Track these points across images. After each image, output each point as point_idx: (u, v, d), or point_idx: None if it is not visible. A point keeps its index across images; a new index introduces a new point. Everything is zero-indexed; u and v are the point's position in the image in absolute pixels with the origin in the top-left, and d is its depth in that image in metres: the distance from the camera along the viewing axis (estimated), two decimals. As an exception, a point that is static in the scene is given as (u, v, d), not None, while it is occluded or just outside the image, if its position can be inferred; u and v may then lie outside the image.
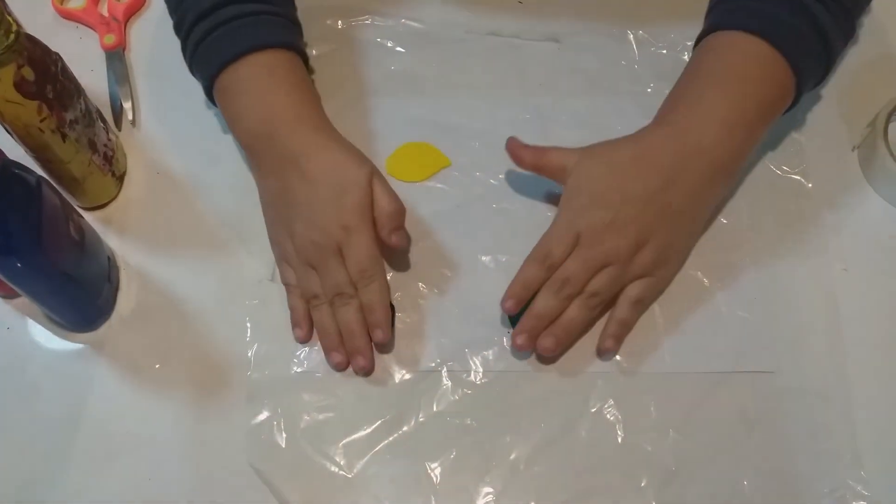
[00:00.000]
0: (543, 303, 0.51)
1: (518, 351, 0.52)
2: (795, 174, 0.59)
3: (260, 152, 0.54)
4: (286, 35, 0.56)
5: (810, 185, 0.58)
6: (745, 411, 0.51)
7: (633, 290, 0.52)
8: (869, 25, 0.64)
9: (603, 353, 0.52)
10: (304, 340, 0.53)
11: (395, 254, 0.56)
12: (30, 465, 0.51)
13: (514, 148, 0.55)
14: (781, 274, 0.55)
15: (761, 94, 0.52)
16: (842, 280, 0.55)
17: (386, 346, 0.53)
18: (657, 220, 0.51)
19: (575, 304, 0.51)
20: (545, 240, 0.52)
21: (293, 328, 0.54)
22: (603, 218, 0.50)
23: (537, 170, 0.55)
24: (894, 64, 0.63)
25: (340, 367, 0.52)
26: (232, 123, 0.55)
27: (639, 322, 0.53)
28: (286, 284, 0.54)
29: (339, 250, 0.51)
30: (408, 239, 0.55)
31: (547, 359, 0.52)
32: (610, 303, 0.52)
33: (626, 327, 0.52)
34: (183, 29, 0.55)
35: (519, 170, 0.57)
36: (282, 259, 0.54)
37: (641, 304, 0.52)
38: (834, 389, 0.51)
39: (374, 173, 0.52)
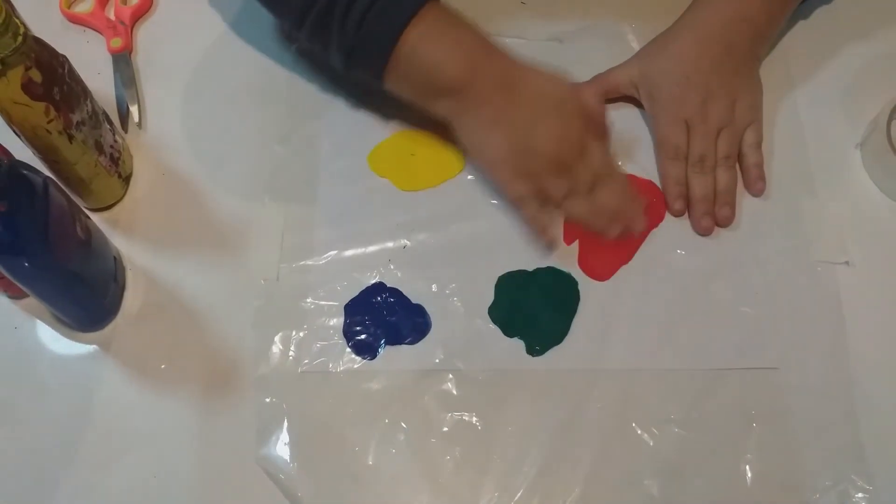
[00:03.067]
0: (699, 185, 0.57)
1: (705, 234, 0.57)
2: (799, 171, 0.59)
3: (466, 93, 0.55)
4: None
5: (814, 183, 0.58)
6: (747, 407, 0.51)
7: (750, 138, 0.59)
8: (873, 22, 0.64)
9: (757, 192, 0.58)
10: (558, 242, 0.56)
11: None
12: (37, 463, 0.51)
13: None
14: (784, 270, 0.55)
15: None
16: (845, 276, 0.55)
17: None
18: (733, 78, 0.59)
19: (720, 172, 0.58)
20: (665, 139, 0.59)
21: (540, 234, 0.56)
22: (696, 97, 0.58)
23: (607, 95, 0.60)
24: (896, 61, 0.63)
25: (621, 237, 0.56)
26: (428, 82, 0.55)
27: (640, 319, 0.54)
28: (519, 198, 0.56)
29: (582, 153, 0.55)
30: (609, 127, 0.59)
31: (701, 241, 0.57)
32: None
33: (761, 167, 0.59)
34: (334, 17, 0.53)
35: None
36: (514, 176, 0.56)
37: (760, 145, 0.59)
38: (836, 385, 0.51)
39: (573, 83, 0.57)
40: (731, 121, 0.58)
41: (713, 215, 0.57)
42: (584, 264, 0.56)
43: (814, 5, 0.65)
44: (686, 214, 0.58)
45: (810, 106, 0.61)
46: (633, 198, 0.57)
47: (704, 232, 0.57)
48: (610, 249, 0.56)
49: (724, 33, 0.58)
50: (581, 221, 0.56)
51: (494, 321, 0.54)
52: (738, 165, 0.59)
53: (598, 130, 0.57)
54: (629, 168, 0.59)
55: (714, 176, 0.58)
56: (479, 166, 0.59)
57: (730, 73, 0.58)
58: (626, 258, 0.56)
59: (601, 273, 0.56)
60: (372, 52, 0.54)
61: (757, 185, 0.58)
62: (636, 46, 0.64)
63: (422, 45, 0.54)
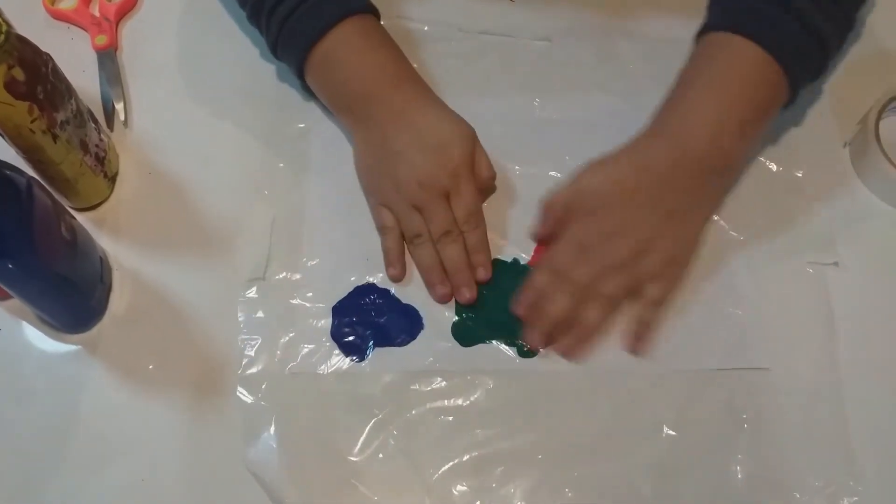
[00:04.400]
0: (558, 304, 0.52)
1: (530, 348, 0.53)
2: (787, 171, 0.59)
3: (364, 112, 0.56)
4: (361, 1, 0.57)
5: (802, 182, 0.58)
6: (738, 408, 0.51)
7: (649, 291, 0.53)
8: (860, 22, 0.65)
9: (631, 351, 0.53)
10: (399, 278, 0.55)
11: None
12: (24, 467, 0.51)
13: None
14: (774, 271, 0.55)
15: (753, 96, 0.53)
16: (834, 276, 0.55)
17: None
18: (660, 223, 0.53)
19: (591, 308, 0.53)
20: (553, 251, 0.54)
21: (387, 268, 0.55)
22: (606, 225, 0.53)
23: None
24: (885, 61, 0.63)
25: (445, 299, 0.54)
26: (333, 93, 0.57)
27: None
28: (382, 227, 0.56)
29: (446, 195, 0.54)
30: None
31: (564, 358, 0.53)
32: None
33: (649, 328, 0.53)
34: (263, 11, 0.56)
35: (507, 173, 0.58)
36: (380, 203, 0.56)
37: (659, 304, 0.53)
38: (826, 385, 0.52)
39: (473, 134, 0.56)
40: (632, 265, 0.52)
41: (548, 336, 0.52)
42: None
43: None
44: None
45: (799, 105, 0.61)
46: (476, 265, 0.54)
47: (528, 344, 0.53)
48: None
49: (664, 169, 0.52)
50: (419, 267, 0.55)
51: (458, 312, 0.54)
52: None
53: (481, 185, 0.56)
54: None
55: (578, 305, 0.52)
56: (360, 184, 0.58)
57: (660, 216, 0.52)
58: None
59: None
60: (291, 55, 0.57)
61: (632, 342, 0.52)
62: (625, 46, 0.64)
63: (330, 59, 0.56)
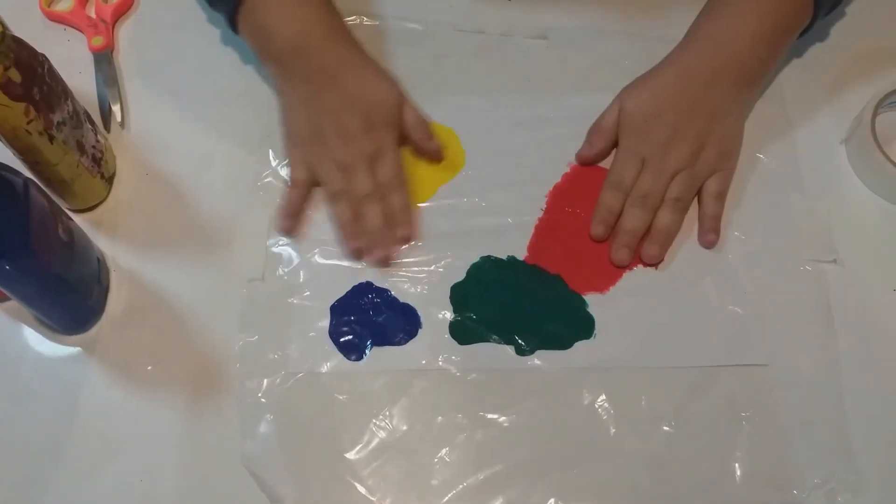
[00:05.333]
0: (632, 217, 0.55)
1: (616, 265, 0.55)
2: (784, 168, 0.59)
3: (292, 65, 0.56)
4: None
5: (800, 179, 0.58)
6: (736, 404, 0.51)
7: (712, 186, 0.56)
8: (857, 18, 0.65)
9: (707, 244, 0.56)
10: (289, 231, 0.56)
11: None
12: (22, 467, 0.51)
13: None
14: (773, 268, 0.55)
15: (785, 9, 0.56)
16: (832, 273, 0.55)
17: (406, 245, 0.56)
18: (708, 123, 0.56)
19: (663, 210, 0.55)
20: (614, 170, 0.57)
21: (282, 218, 0.56)
22: (660, 134, 0.56)
23: (607, 143, 0.58)
24: (881, 57, 0.63)
25: (357, 255, 0.55)
26: (262, 41, 0.57)
27: (629, 318, 0.54)
28: (294, 181, 0.57)
29: (370, 157, 0.55)
30: (440, 145, 0.58)
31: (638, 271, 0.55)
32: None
33: (717, 219, 0.56)
34: None
35: (507, 171, 0.58)
36: (301, 159, 0.57)
37: (722, 197, 0.56)
38: (825, 381, 0.52)
39: (402, 94, 0.57)
40: (692, 165, 0.56)
41: (633, 249, 0.55)
42: (577, 287, 0.55)
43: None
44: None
45: (796, 102, 0.61)
46: (399, 225, 0.55)
47: (616, 263, 0.55)
48: (597, 269, 0.56)
49: (707, 74, 0.56)
50: (337, 223, 0.56)
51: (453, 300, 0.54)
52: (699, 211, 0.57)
53: (416, 141, 0.57)
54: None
55: (653, 214, 0.55)
56: (283, 137, 0.59)
57: (705, 116, 0.56)
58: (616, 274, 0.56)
59: (597, 287, 0.55)
60: (223, 5, 0.57)
61: (708, 237, 0.55)
62: (621, 45, 0.64)
63: (260, 8, 0.55)
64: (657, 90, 0.57)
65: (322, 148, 0.56)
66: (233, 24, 0.58)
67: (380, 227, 0.55)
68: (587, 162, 0.59)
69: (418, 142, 0.57)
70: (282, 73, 0.58)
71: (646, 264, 0.55)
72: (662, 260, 0.55)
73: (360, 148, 0.55)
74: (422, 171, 0.59)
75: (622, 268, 0.55)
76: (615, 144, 0.58)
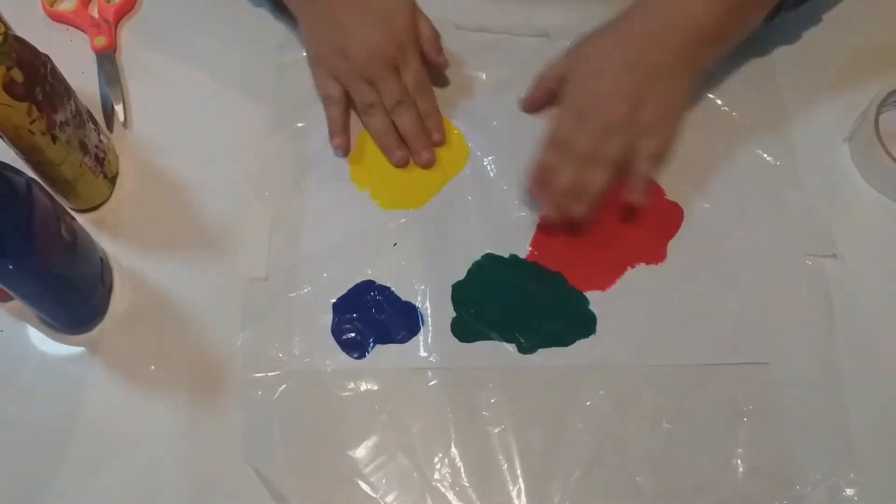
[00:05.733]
0: (565, 175, 0.54)
1: (545, 224, 0.56)
2: (786, 164, 0.59)
3: None
4: None
5: (802, 176, 0.58)
6: (737, 402, 0.51)
7: (645, 147, 0.55)
8: (860, 16, 0.64)
9: (633, 202, 0.55)
10: (344, 147, 0.58)
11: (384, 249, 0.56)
12: (25, 467, 0.51)
13: (415, 11, 0.59)
14: (773, 264, 0.55)
15: None
16: (833, 270, 0.55)
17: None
18: (649, 80, 0.54)
19: (594, 168, 0.54)
20: (553, 126, 0.56)
21: (332, 137, 0.58)
22: (598, 89, 0.55)
23: (549, 94, 0.59)
24: (885, 55, 0.63)
25: (402, 163, 0.58)
26: None
27: (629, 315, 0.54)
28: (328, 97, 0.58)
29: (395, 66, 0.57)
30: (447, 60, 0.60)
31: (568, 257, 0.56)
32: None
33: (645, 180, 0.55)
34: None
35: (510, 168, 0.58)
36: (328, 75, 0.58)
37: (655, 158, 0.56)
38: (826, 378, 0.52)
39: (414, 3, 0.58)
40: (629, 124, 0.54)
41: (564, 208, 0.55)
42: (578, 284, 0.55)
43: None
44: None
45: (797, 100, 0.61)
46: (429, 128, 0.58)
47: (544, 222, 0.56)
48: (598, 267, 0.56)
49: (653, 31, 0.55)
50: (373, 135, 0.58)
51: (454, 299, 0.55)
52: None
53: (427, 54, 0.58)
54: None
55: (586, 172, 0.54)
56: (308, 58, 0.61)
57: (646, 74, 0.54)
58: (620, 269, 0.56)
59: (598, 284, 0.55)
60: None
61: (631, 196, 0.55)
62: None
63: None
64: (601, 46, 0.56)
65: (347, 62, 0.57)
66: None
67: (417, 131, 0.58)
68: (527, 110, 0.60)
69: (429, 53, 0.59)
70: (297, 3, 0.59)
71: (570, 215, 0.55)
72: (587, 216, 0.55)
73: (383, 57, 0.56)
74: (426, 169, 0.59)
75: (556, 230, 0.56)
76: (556, 97, 0.58)
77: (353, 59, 0.57)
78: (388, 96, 0.57)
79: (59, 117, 0.52)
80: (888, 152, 0.56)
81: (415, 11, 0.58)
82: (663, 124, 0.55)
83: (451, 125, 0.61)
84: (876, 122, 0.57)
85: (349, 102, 0.59)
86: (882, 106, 0.57)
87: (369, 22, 0.57)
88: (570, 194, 0.54)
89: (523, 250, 0.56)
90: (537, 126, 0.60)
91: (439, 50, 0.59)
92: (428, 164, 0.58)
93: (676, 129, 0.57)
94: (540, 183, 0.55)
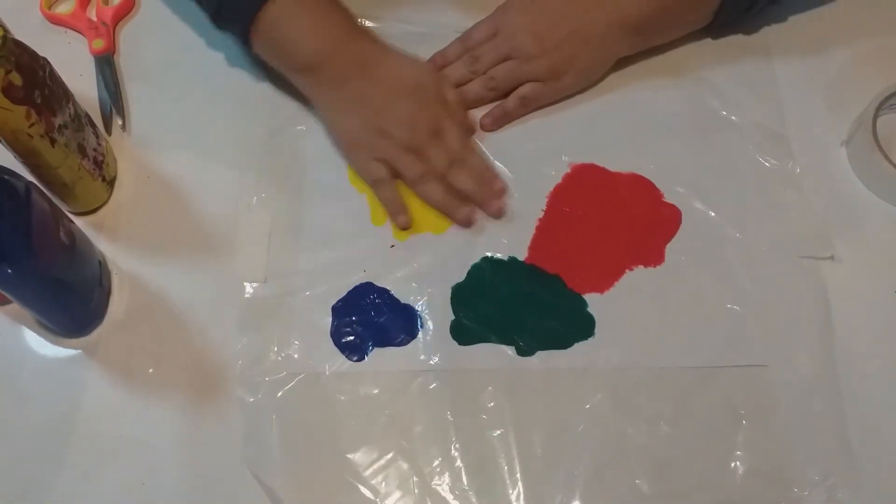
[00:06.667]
0: (453, 70, 0.60)
1: (529, 350, 0.54)
2: (784, 167, 0.59)
3: (323, 72, 0.56)
4: None
5: (799, 179, 0.58)
6: (736, 403, 0.51)
7: (523, 90, 0.59)
8: (858, 19, 0.65)
9: (481, 126, 0.60)
10: (409, 225, 0.57)
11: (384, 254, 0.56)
12: (24, 471, 0.51)
13: (436, 77, 0.60)
14: (771, 266, 0.55)
15: None
16: (831, 272, 0.55)
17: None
18: (565, 37, 0.58)
19: (475, 80, 0.60)
20: (471, 28, 0.61)
21: (396, 216, 0.57)
22: (519, 20, 0.59)
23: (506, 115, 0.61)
24: (881, 58, 0.63)
25: (471, 221, 0.57)
26: (285, 55, 0.57)
27: (628, 318, 0.54)
28: (377, 180, 0.57)
29: (435, 136, 0.57)
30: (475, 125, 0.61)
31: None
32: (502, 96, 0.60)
33: (507, 116, 0.60)
34: None
35: (508, 172, 0.59)
36: (370, 158, 0.57)
37: (526, 101, 0.60)
38: (824, 380, 0.52)
39: (436, 71, 0.60)
40: (524, 59, 0.59)
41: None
42: (576, 287, 0.55)
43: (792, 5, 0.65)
44: None
45: (795, 103, 0.61)
46: (488, 181, 0.57)
47: None
48: (597, 270, 0.56)
49: (594, 2, 0.58)
50: (434, 203, 0.57)
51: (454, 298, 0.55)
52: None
53: (456, 116, 0.58)
54: (615, 165, 0.59)
55: (471, 77, 0.60)
56: (338, 147, 0.59)
57: (568, 29, 0.58)
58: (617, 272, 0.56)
59: (597, 287, 0.55)
60: (237, 17, 0.56)
61: (484, 120, 0.60)
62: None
63: (283, 17, 0.55)
64: None
65: (386, 140, 0.56)
66: (247, 42, 0.57)
67: (475, 187, 0.57)
68: (487, 128, 0.61)
69: (459, 116, 0.59)
70: (313, 82, 0.57)
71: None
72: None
73: (422, 128, 0.56)
74: None
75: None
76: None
77: (394, 135, 0.56)
78: (439, 161, 0.57)
79: (58, 120, 0.52)
80: (885, 155, 0.56)
81: (439, 78, 0.59)
82: (552, 79, 0.59)
83: None
84: (873, 125, 0.57)
85: (397, 177, 0.58)
86: (879, 109, 0.57)
87: (401, 96, 0.56)
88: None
89: (522, 253, 0.56)
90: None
91: (465, 114, 0.60)
92: (500, 214, 0.57)
93: (560, 92, 0.60)
94: (436, 67, 0.61)
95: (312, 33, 0.55)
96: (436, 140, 0.56)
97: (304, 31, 0.55)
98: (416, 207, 0.58)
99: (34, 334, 0.55)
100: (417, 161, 0.56)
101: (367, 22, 0.65)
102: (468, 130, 0.59)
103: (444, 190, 0.57)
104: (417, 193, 0.57)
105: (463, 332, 0.54)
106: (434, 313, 0.54)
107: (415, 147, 0.56)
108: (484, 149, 0.60)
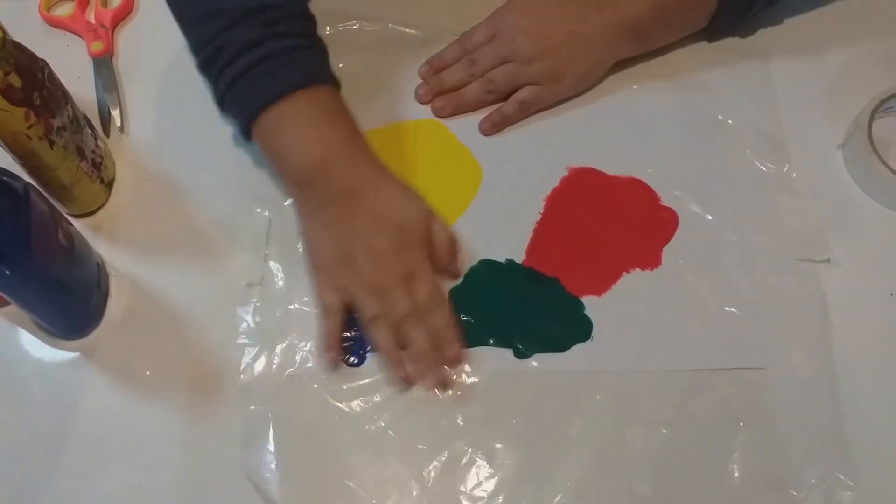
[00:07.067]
0: (451, 73, 0.61)
1: (436, 114, 0.61)
2: (780, 171, 0.59)
3: (313, 187, 0.53)
4: (327, 69, 0.55)
5: (796, 183, 0.59)
6: (733, 406, 0.51)
7: (521, 93, 0.60)
8: (854, 23, 0.65)
9: (480, 131, 0.61)
10: (336, 361, 0.53)
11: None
12: (21, 473, 0.51)
13: (430, 218, 0.54)
14: (768, 270, 0.55)
15: None
16: (828, 275, 0.55)
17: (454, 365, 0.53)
18: (564, 40, 0.59)
19: (474, 83, 0.60)
20: (470, 31, 0.62)
21: (326, 351, 0.52)
22: (517, 23, 0.60)
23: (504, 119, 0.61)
24: (877, 61, 0.64)
25: (408, 382, 0.52)
26: (279, 160, 0.54)
27: (626, 321, 0.54)
28: (328, 309, 0.53)
29: (404, 281, 0.52)
30: (461, 270, 0.56)
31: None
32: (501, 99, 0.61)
33: (506, 120, 0.60)
34: (216, 65, 0.53)
35: (506, 176, 0.59)
36: (330, 285, 0.54)
37: (525, 105, 0.60)
38: (821, 383, 0.52)
39: (429, 210, 0.54)
40: (523, 62, 0.59)
41: (453, 105, 0.61)
42: (574, 289, 0.55)
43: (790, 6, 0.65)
44: None
45: (791, 107, 0.62)
46: (445, 343, 0.52)
47: (434, 112, 0.61)
48: (594, 273, 0.56)
49: (591, 5, 0.59)
50: (379, 349, 0.52)
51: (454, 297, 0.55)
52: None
53: (440, 262, 0.54)
54: (612, 168, 0.59)
55: (469, 80, 0.60)
56: (306, 262, 0.55)
57: (566, 34, 0.59)
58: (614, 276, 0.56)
59: (594, 290, 0.56)
60: (238, 113, 0.54)
61: (483, 125, 0.60)
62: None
63: (282, 126, 0.52)
64: None
65: (352, 272, 0.52)
66: (246, 134, 0.54)
67: (425, 349, 0.52)
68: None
69: (441, 261, 0.54)
70: (302, 195, 0.55)
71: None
72: (450, 114, 0.61)
73: (393, 269, 0.52)
74: (444, 191, 0.58)
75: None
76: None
77: (359, 269, 0.52)
78: (396, 310, 0.52)
79: (57, 122, 0.52)
80: (881, 159, 0.56)
81: (430, 218, 0.54)
82: (550, 82, 0.59)
83: (463, 147, 0.61)
84: (869, 128, 0.57)
85: (348, 313, 0.54)
86: (875, 113, 0.58)
87: (380, 230, 0.52)
88: (445, 85, 0.60)
89: (519, 256, 0.56)
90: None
91: (453, 258, 0.55)
92: (440, 388, 0.52)
93: (558, 96, 0.61)
94: (433, 69, 0.62)
95: (307, 149, 0.52)
96: (403, 285, 0.52)
97: (301, 145, 0.53)
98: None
99: (32, 336, 0.55)
100: (374, 301, 0.52)
101: (364, 25, 0.65)
102: (451, 276, 0.55)
103: (391, 340, 0.52)
104: (366, 333, 0.53)
105: (461, 336, 0.54)
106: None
107: (378, 288, 0.52)
108: (482, 154, 0.60)
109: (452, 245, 0.55)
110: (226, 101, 0.54)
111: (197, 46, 0.54)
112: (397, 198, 0.53)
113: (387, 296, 0.52)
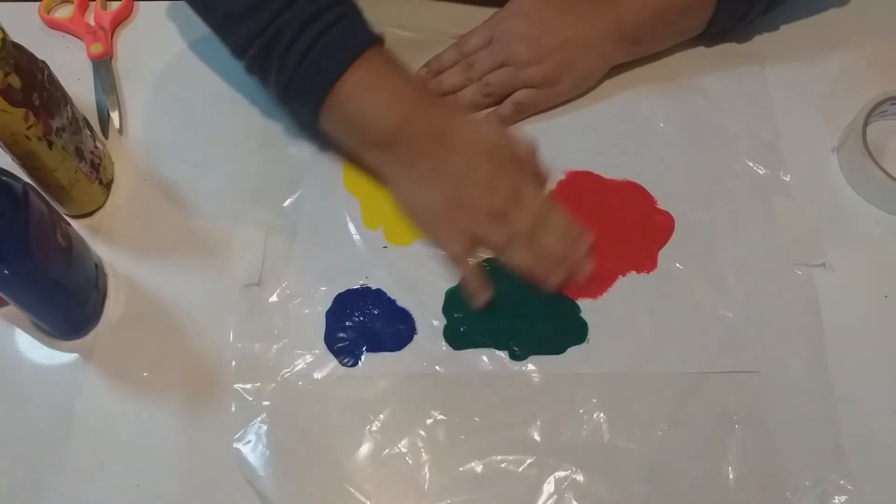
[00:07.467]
0: (449, 76, 0.61)
1: (522, 354, 0.54)
2: (775, 174, 0.59)
3: (398, 143, 0.54)
4: (373, 30, 0.55)
5: (790, 186, 0.59)
6: (728, 409, 0.51)
7: (518, 95, 0.60)
8: (849, 27, 0.65)
9: None
10: (488, 303, 0.54)
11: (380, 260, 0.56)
12: (19, 473, 0.51)
13: (508, 135, 0.57)
14: (763, 273, 0.56)
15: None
16: (822, 278, 0.55)
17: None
18: (561, 44, 0.59)
19: (471, 87, 0.61)
20: (467, 35, 0.62)
21: (478, 293, 0.54)
22: (515, 27, 0.60)
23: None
24: (872, 66, 0.64)
25: (562, 285, 0.54)
26: (359, 131, 0.55)
27: (622, 324, 0.54)
28: (456, 256, 0.55)
29: (515, 199, 0.55)
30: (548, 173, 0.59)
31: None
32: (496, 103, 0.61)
33: (502, 122, 0.61)
34: (276, 52, 0.52)
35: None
36: (452, 233, 0.55)
37: (521, 107, 0.60)
38: (816, 386, 0.52)
39: (502, 126, 0.59)
40: (520, 66, 0.59)
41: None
42: (570, 292, 0.56)
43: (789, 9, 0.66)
44: None
45: (787, 111, 0.62)
46: (577, 238, 0.55)
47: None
48: (590, 275, 0.56)
49: (589, 9, 0.59)
50: (524, 270, 0.54)
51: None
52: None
53: (533, 174, 0.57)
54: (609, 172, 0.60)
55: (466, 84, 0.60)
56: (415, 224, 0.57)
57: (564, 38, 0.59)
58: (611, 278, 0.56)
59: (590, 292, 0.56)
60: (310, 91, 0.54)
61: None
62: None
63: (357, 91, 0.53)
64: (539, 1, 0.60)
65: (468, 211, 0.54)
66: (316, 117, 0.55)
67: (563, 251, 0.54)
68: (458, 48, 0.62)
69: (531, 170, 0.57)
70: (386, 159, 0.55)
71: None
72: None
73: (502, 192, 0.54)
74: None
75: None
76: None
77: (474, 206, 0.54)
78: (525, 223, 0.54)
79: (56, 123, 0.52)
80: (876, 162, 0.57)
81: (507, 134, 0.57)
82: (546, 85, 0.60)
83: None
84: (864, 132, 0.58)
85: (480, 247, 0.56)
86: (870, 116, 0.58)
87: (477, 162, 0.54)
88: (443, 89, 0.60)
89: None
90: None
91: (538, 164, 0.57)
92: (588, 280, 0.54)
93: (555, 99, 0.61)
94: (431, 72, 0.62)
95: (386, 107, 0.53)
96: (516, 204, 0.54)
97: (379, 105, 0.53)
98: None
99: (30, 336, 0.55)
100: (501, 227, 0.54)
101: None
102: (541, 181, 0.58)
103: (532, 255, 0.54)
104: (505, 261, 0.55)
105: (457, 337, 0.54)
106: (428, 318, 0.55)
107: (496, 213, 0.54)
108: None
109: (535, 152, 0.57)
110: (293, 85, 0.53)
111: (245, 41, 0.53)
112: (476, 127, 0.57)
113: (507, 218, 0.54)
